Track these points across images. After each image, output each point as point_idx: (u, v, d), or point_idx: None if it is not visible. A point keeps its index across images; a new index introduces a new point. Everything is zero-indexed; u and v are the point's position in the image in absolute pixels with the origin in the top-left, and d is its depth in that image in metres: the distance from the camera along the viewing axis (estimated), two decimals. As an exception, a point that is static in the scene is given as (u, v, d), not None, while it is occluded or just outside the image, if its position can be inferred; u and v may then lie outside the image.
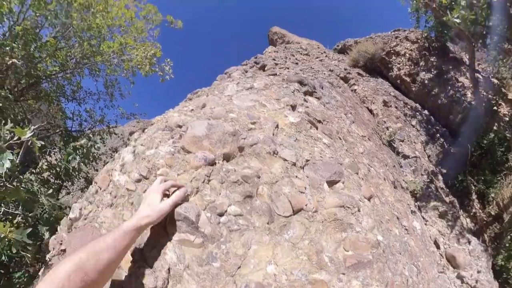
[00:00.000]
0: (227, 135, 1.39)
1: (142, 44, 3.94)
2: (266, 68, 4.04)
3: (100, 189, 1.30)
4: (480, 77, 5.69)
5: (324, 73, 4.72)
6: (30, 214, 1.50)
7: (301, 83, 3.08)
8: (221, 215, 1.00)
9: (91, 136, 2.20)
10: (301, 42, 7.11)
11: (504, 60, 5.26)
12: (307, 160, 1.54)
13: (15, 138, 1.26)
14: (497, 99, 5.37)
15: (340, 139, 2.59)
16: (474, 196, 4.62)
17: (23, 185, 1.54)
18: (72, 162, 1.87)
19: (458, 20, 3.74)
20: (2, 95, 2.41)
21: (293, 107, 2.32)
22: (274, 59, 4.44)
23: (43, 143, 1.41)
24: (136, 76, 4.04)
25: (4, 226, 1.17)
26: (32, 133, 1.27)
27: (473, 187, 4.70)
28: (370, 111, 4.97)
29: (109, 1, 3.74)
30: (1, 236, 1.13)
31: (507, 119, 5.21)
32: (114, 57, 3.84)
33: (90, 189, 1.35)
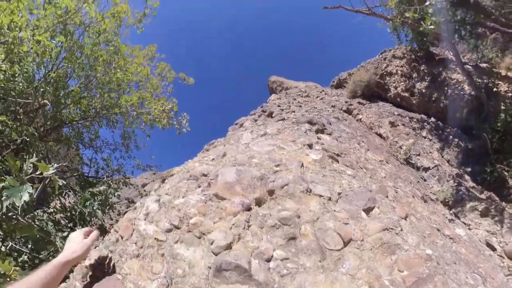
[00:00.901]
0: (255, 179, 1.41)
1: (159, 99, 4.21)
2: (273, 115, 4.18)
3: (122, 238, 1.23)
4: (470, 67, 5.79)
5: (328, 110, 4.84)
6: (40, 255, 1.42)
7: (310, 122, 3.16)
8: (268, 260, 0.96)
9: (111, 183, 2.20)
10: (299, 86, 7.47)
11: (484, 43, 5.39)
12: (339, 193, 1.53)
13: (37, 173, 1.22)
14: (492, 80, 5.40)
15: (361, 168, 2.56)
16: (511, 182, 4.25)
17: (36, 223, 1.49)
18: (88, 207, 1.86)
19: (432, 26, 4.10)
20: (30, 131, 2.57)
21: (310, 146, 2.35)
22: (279, 105, 4.63)
23: (64, 182, 1.43)
24: (153, 129, 4.24)
25: (9, 263, 1.08)
26: (54, 171, 1.23)
27: (506, 173, 4.34)
28: (380, 135, 4.94)
29: (127, 58, 4.07)
30: (2, 273, 1.03)
31: (510, 94, 5.08)
32: (133, 110, 4.08)
33: (109, 237, 1.30)
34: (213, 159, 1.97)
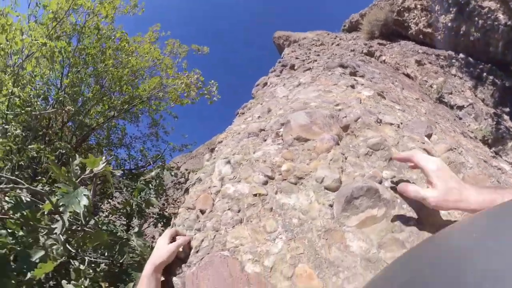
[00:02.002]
0: (327, 118, 1.36)
1: (179, 75, 4.09)
2: (295, 67, 4.05)
3: (203, 212, 1.17)
4: (504, -11, 5.23)
5: (349, 55, 4.66)
6: (121, 261, 1.38)
7: (342, 66, 3.06)
8: (381, 182, 0.97)
9: (163, 165, 2.16)
10: (307, 36, 7.15)
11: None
12: (401, 123, 1.53)
13: (86, 173, 1.16)
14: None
15: (404, 105, 2.53)
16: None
17: (103, 227, 1.45)
18: (145, 197, 1.82)
19: None
20: (63, 145, 2.59)
21: (353, 87, 2.28)
22: (297, 58, 4.45)
23: (121, 171, 1.38)
24: (184, 106, 4.17)
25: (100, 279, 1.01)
26: (104, 164, 1.15)
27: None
28: (408, 75, 4.79)
29: (135, 45, 3.98)
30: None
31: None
32: (158, 91, 4.00)
33: (184, 218, 1.23)
34: (258, 117, 1.93)
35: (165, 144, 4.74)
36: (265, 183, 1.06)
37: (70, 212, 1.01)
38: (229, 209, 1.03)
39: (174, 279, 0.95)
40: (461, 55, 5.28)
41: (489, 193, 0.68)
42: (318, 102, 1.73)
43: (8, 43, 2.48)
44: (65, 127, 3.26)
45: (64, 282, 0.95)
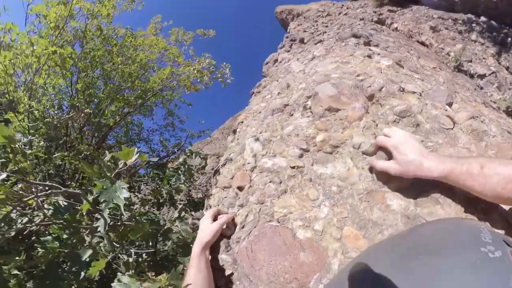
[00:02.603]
0: (352, 88, 1.40)
1: (188, 62, 4.12)
2: (305, 41, 4.01)
3: (241, 189, 1.23)
4: None
5: (359, 24, 4.56)
6: (166, 248, 1.41)
7: (355, 36, 3.03)
8: None
9: (191, 149, 2.22)
10: (311, 8, 6.98)
11: None
12: (422, 91, 1.56)
13: (120, 166, 1.15)
14: None
15: (422, 74, 2.52)
16: None
17: (143, 217, 1.47)
18: (175, 184, 1.85)
19: None
20: (85, 147, 2.73)
21: (370, 57, 2.28)
22: (304, 31, 4.39)
23: (157, 158, 1.42)
24: (198, 92, 4.22)
25: (163, 277, 1.00)
26: (138, 155, 1.14)
27: None
28: (422, 43, 4.69)
29: (140, 39, 4.05)
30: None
31: None
32: (171, 80, 4.05)
33: (225, 195, 1.30)
34: (278, 93, 1.96)
35: (183, 132, 4.84)
36: (301, 156, 1.13)
37: (110, 208, 1.01)
38: (270, 182, 1.10)
39: (223, 256, 1.01)
40: (482, 18, 5.07)
41: (451, 163, 0.79)
42: (339, 74, 1.75)
43: (18, 56, 2.51)
44: (84, 130, 3.33)
45: (119, 274, 0.97)
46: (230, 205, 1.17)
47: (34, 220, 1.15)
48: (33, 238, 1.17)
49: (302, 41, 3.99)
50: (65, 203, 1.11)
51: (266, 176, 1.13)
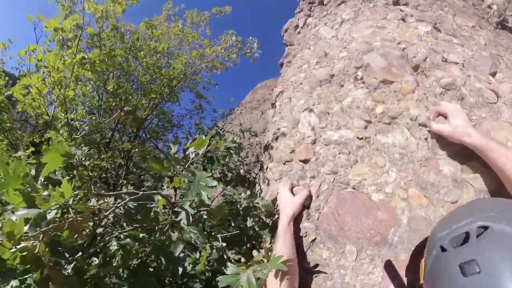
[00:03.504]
0: (399, 58, 1.49)
1: (209, 43, 4.19)
2: (325, 2, 3.91)
3: (306, 161, 1.36)
4: None
5: (380, -23, 4.34)
6: (249, 225, 1.43)
7: (382, -6, 2.94)
8: None
9: (241, 129, 2.34)
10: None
11: None
12: (464, 61, 1.61)
13: (192, 156, 1.19)
14: None
15: (460, 36, 2.49)
16: None
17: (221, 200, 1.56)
18: (230, 161, 1.90)
19: None
20: (129, 146, 2.96)
21: (404, 19, 2.28)
22: (322, -10, 4.23)
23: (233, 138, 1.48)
24: (227, 70, 4.33)
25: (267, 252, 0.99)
26: (208, 144, 1.18)
27: None
28: (456, -5, 4.44)
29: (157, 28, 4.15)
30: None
31: None
32: (198, 64, 4.15)
33: (289, 169, 1.41)
34: (317, 62, 2.03)
35: (215, 113, 5.21)
36: (365, 127, 1.30)
37: (193, 200, 0.97)
38: (340, 153, 1.28)
39: (305, 224, 1.16)
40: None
41: (488, 139, 0.97)
42: (379, 41, 1.81)
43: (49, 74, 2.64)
44: (127, 123, 3.51)
45: (229, 265, 0.94)
46: (300, 177, 1.33)
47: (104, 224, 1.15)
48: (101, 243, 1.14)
49: (321, 2, 3.91)
50: (134, 204, 1.08)
51: (334, 148, 1.31)
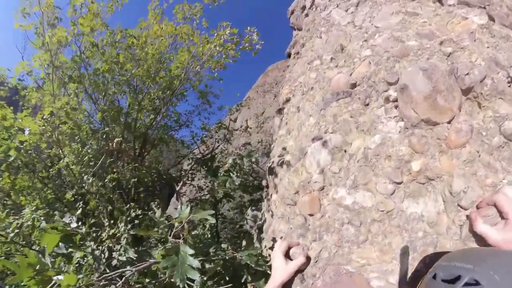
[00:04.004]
0: (447, 77, 1.10)
1: (206, 38, 3.94)
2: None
3: (311, 215, 1.17)
4: None
5: None
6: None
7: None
8: None
9: (240, 155, 2.18)
10: None
11: None
12: None
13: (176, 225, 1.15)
14: None
15: None
16: None
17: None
18: (231, 185, 1.83)
19: None
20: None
21: (440, 1, 1.78)
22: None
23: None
24: (226, 69, 4.06)
25: None
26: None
27: None
28: None
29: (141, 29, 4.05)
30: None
31: None
32: (190, 70, 4.01)
33: (292, 216, 1.25)
34: (331, 59, 1.62)
35: (222, 111, 5.21)
36: (392, 193, 0.97)
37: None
38: (348, 223, 1.00)
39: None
40: None
41: None
42: (414, 38, 1.39)
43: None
44: (123, 154, 3.47)
45: None
46: (301, 235, 1.12)
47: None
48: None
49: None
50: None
51: (343, 213, 1.03)
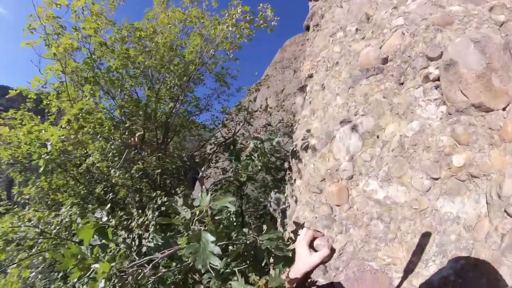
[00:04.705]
0: (501, 51, 0.94)
1: (216, 18, 3.67)
2: None
3: (338, 205, 1.10)
4: None
5: None
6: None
7: None
8: None
9: (259, 138, 2.14)
10: None
11: None
12: None
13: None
14: None
15: None
16: None
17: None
18: (254, 169, 1.76)
19: None
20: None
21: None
22: None
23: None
24: (241, 49, 3.89)
25: None
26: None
27: None
28: None
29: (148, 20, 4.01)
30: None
31: None
32: (204, 55, 3.83)
33: (318, 205, 1.18)
34: (357, 30, 1.44)
35: (241, 92, 5.01)
36: (428, 189, 0.87)
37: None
38: (378, 218, 0.92)
39: (320, 280, 1.01)
40: None
41: None
42: (458, 2, 1.19)
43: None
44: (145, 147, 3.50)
45: (233, 283, 1.05)
46: (326, 226, 1.06)
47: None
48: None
49: None
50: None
51: (373, 207, 0.94)
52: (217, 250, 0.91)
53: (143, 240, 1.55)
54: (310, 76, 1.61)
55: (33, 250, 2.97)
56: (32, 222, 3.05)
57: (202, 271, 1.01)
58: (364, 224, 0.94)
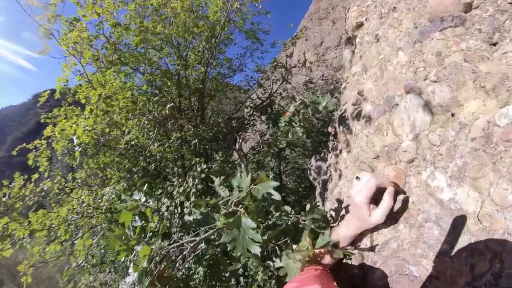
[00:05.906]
0: None
1: None
2: None
3: None
4: None
5: None
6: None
7: None
8: None
9: (304, 102, 1.93)
10: None
11: None
12: None
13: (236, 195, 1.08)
14: None
15: None
16: None
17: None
18: (294, 136, 1.61)
19: None
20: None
21: None
22: None
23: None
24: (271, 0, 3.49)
25: None
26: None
27: None
28: None
29: None
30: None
31: None
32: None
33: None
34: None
35: (273, 46, 4.72)
36: (510, 206, 0.63)
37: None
38: (434, 221, 0.76)
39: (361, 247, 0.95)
40: None
41: None
42: None
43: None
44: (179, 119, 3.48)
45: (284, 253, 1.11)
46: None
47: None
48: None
49: None
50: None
51: (433, 206, 0.77)
52: (258, 238, 0.87)
53: (185, 209, 1.58)
54: (359, 25, 1.31)
55: (93, 222, 3.34)
56: (84, 203, 3.30)
57: (242, 260, 0.96)
58: (417, 224, 0.79)
